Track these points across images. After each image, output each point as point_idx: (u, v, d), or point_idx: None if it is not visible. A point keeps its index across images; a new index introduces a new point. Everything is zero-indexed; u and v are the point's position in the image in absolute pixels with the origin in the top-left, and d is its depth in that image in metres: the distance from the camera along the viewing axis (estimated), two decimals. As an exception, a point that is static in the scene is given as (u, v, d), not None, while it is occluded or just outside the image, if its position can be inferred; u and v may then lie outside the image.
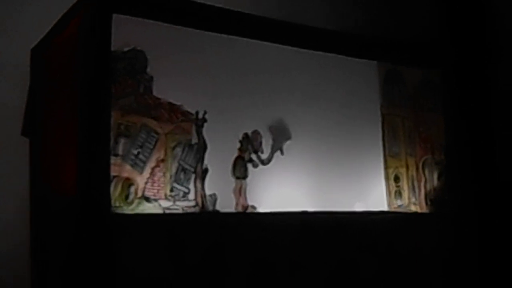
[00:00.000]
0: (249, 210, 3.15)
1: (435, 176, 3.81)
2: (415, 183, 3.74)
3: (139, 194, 2.85)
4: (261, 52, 3.28)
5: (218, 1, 3.14)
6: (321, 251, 3.18)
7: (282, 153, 3.29)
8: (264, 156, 3.25)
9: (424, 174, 3.77)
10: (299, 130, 3.35)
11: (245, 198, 3.16)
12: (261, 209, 3.18)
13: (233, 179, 3.15)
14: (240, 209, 3.13)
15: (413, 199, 3.72)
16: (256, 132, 3.23)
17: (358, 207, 3.44)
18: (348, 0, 4.35)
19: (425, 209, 3.74)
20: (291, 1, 4.12)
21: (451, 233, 3.66)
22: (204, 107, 3.06)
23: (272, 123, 3.28)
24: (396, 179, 3.68)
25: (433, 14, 4.19)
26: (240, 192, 3.15)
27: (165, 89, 2.96)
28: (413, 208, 3.71)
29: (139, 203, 2.83)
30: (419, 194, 3.75)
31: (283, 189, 3.25)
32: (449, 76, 3.90)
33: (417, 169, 3.76)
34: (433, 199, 3.77)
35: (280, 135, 3.30)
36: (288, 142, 3.32)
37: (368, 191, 3.56)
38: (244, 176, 3.18)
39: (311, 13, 4.02)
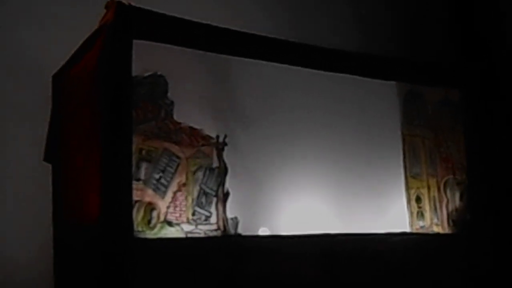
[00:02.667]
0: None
1: (457, 196, 3.79)
2: (437, 204, 3.73)
3: (162, 218, 2.86)
4: (280, 74, 3.30)
5: (236, 25, 3.19)
6: (345, 273, 3.18)
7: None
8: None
9: (446, 195, 3.76)
10: (319, 151, 3.36)
11: None
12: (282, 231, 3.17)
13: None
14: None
15: (435, 220, 3.71)
16: None
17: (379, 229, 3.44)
18: (368, 22, 4.37)
19: (447, 230, 3.72)
20: (310, 23, 4.13)
21: (474, 253, 3.63)
22: (224, 131, 3.08)
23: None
24: (418, 200, 3.68)
25: (452, 34, 4.26)
26: None
27: (186, 114, 2.98)
28: (436, 229, 3.70)
29: (161, 227, 2.85)
30: (441, 215, 3.73)
31: (303, 211, 3.27)
32: (469, 95, 3.90)
33: (438, 189, 3.75)
34: (455, 219, 3.75)
35: None
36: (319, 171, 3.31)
37: (390, 212, 3.55)
38: None
39: (331, 36, 4.05)
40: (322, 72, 3.40)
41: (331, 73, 3.43)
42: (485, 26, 4.26)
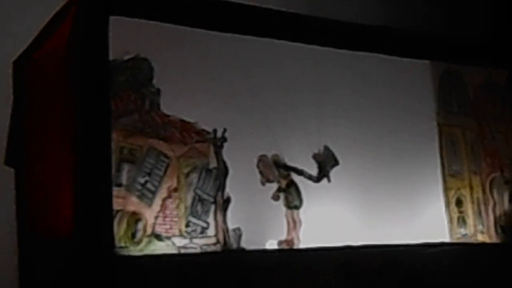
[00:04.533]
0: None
1: (506, 198, 3.58)
2: (482, 207, 3.51)
3: (149, 231, 2.64)
4: (289, 52, 3.05)
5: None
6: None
7: (328, 180, 3.07)
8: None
9: (493, 196, 3.53)
10: (340, 147, 3.12)
11: None
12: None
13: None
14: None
15: (480, 227, 3.49)
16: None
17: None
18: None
19: (495, 239, 3.52)
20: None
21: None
22: (223, 123, 2.84)
23: (318, 151, 3.06)
24: (459, 203, 3.45)
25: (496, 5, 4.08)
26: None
27: (176, 104, 2.76)
28: (481, 238, 3.49)
29: (148, 242, 2.64)
30: (487, 221, 3.51)
31: (320, 218, 3.02)
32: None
33: (483, 190, 3.53)
34: (504, 225, 3.53)
35: (327, 161, 3.08)
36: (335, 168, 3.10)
37: (425, 218, 3.31)
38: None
39: (353, 9, 3.87)
40: (343, 50, 3.17)
41: (353, 52, 3.19)
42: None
